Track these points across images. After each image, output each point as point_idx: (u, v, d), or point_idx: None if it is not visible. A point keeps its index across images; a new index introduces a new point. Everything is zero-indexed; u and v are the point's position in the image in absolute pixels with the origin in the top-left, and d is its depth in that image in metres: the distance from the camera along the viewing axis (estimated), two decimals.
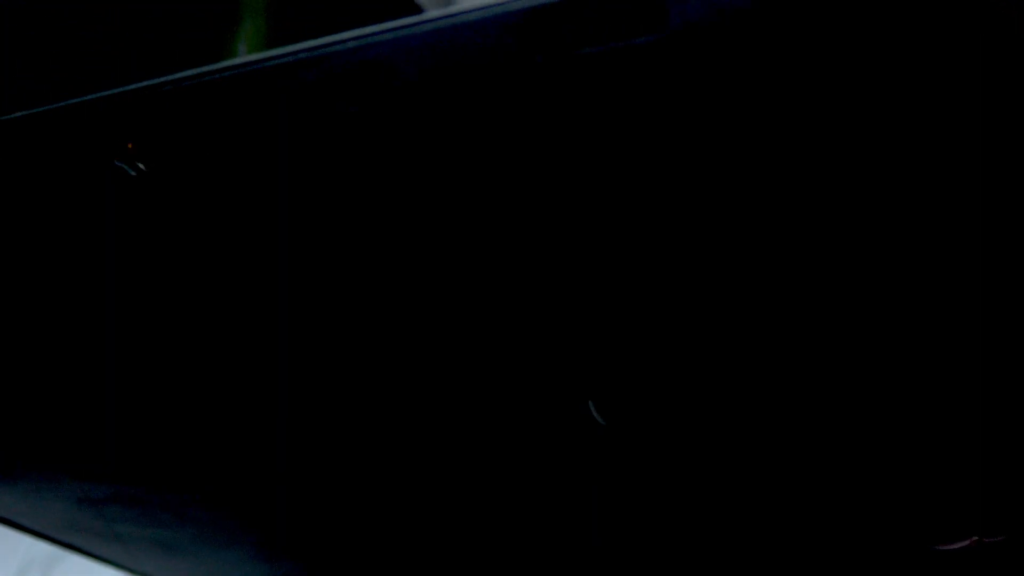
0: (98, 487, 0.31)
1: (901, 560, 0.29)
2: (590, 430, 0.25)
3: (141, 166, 0.19)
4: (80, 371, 0.24)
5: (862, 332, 0.21)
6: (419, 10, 0.63)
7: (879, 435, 0.26)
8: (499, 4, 0.17)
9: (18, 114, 0.20)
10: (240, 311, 0.21)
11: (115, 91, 0.19)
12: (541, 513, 0.31)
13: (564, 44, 0.16)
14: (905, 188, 0.18)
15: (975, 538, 0.22)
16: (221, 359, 0.24)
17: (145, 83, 0.19)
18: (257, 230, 0.19)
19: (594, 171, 0.17)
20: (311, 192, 0.18)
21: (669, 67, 0.16)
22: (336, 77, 0.17)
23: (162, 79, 0.19)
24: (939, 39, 0.16)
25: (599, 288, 0.20)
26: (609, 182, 0.18)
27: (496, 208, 0.18)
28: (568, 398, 0.24)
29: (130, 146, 0.19)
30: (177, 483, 0.30)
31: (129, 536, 0.36)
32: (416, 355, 0.23)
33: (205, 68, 0.18)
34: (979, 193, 0.18)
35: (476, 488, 0.30)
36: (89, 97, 0.19)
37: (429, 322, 0.22)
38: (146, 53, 0.42)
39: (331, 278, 0.20)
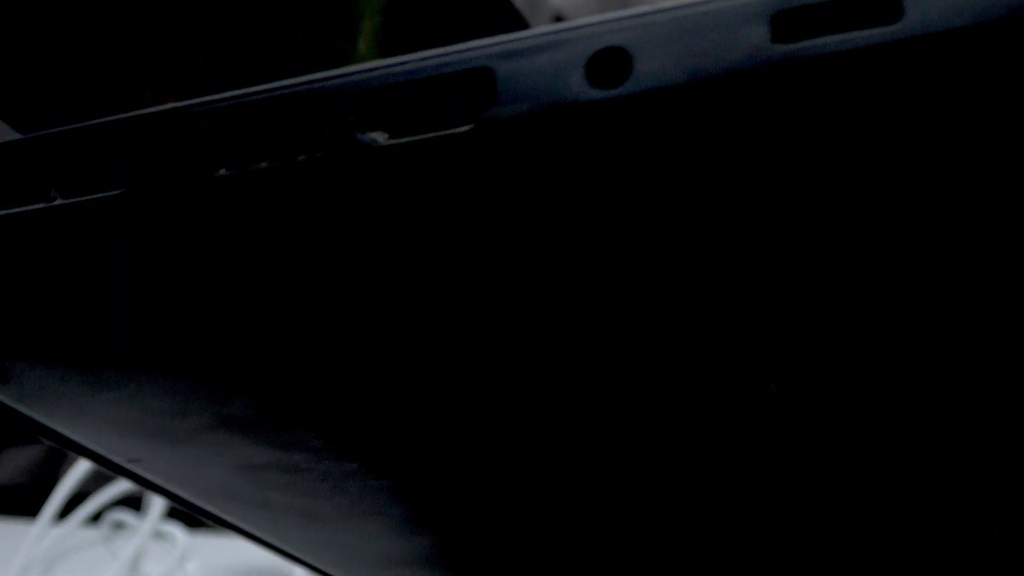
0: (264, 454, 0.32)
1: None
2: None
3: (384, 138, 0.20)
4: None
5: None
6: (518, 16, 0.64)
7: None
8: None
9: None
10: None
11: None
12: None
13: None
14: None
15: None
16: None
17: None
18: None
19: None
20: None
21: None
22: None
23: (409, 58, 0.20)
24: None
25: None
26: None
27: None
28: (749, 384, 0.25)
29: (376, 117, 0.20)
30: (344, 454, 0.31)
31: (277, 503, 0.37)
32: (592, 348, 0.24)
33: (447, 49, 0.20)
34: None
35: (643, 472, 0.31)
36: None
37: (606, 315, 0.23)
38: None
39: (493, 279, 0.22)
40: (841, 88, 0.17)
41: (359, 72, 0.20)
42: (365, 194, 0.20)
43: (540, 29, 0.19)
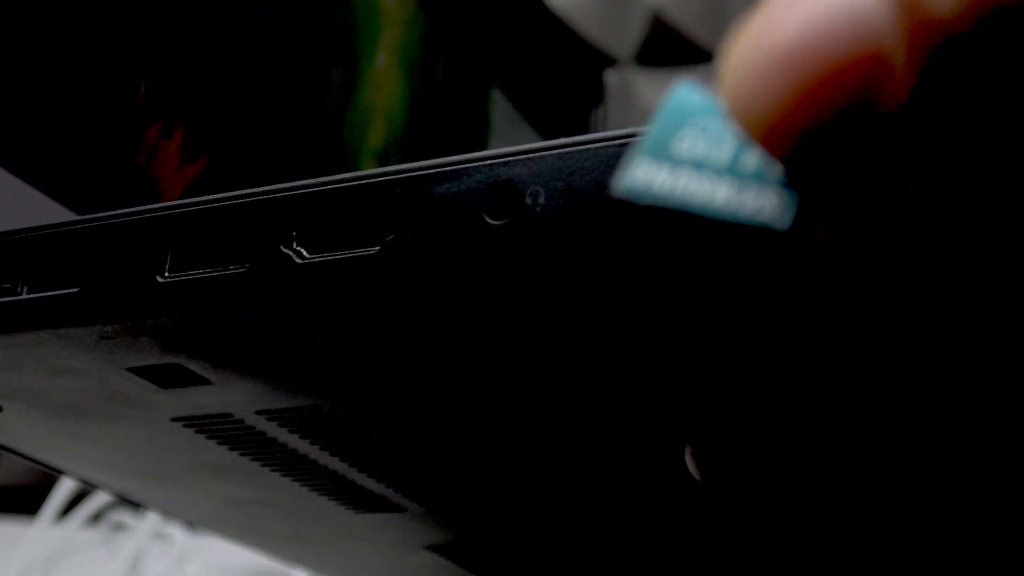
0: (243, 491, 0.34)
1: None
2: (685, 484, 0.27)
3: (304, 252, 0.21)
4: None
5: None
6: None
7: None
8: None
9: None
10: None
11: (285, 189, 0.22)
12: None
13: None
14: None
15: None
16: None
17: (311, 184, 0.21)
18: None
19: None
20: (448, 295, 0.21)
21: None
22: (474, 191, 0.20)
23: (324, 181, 0.21)
24: None
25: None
26: None
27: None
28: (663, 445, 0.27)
29: (295, 234, 0.22)
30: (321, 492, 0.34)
31: (265, 529, 0.40)
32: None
33: (359, 174, 0.21)
34: None
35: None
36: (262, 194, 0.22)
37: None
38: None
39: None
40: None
41: (283, 191, 0.22)
42: (286, 302, 0.21)
43: (443, 160, 0.21)
